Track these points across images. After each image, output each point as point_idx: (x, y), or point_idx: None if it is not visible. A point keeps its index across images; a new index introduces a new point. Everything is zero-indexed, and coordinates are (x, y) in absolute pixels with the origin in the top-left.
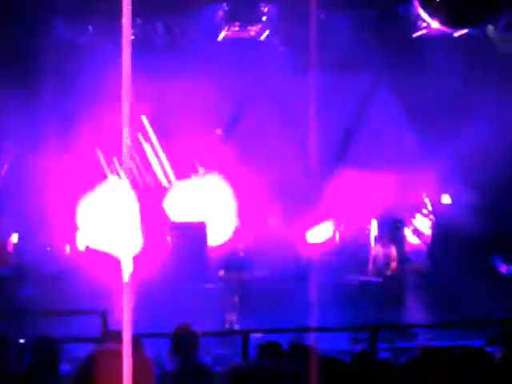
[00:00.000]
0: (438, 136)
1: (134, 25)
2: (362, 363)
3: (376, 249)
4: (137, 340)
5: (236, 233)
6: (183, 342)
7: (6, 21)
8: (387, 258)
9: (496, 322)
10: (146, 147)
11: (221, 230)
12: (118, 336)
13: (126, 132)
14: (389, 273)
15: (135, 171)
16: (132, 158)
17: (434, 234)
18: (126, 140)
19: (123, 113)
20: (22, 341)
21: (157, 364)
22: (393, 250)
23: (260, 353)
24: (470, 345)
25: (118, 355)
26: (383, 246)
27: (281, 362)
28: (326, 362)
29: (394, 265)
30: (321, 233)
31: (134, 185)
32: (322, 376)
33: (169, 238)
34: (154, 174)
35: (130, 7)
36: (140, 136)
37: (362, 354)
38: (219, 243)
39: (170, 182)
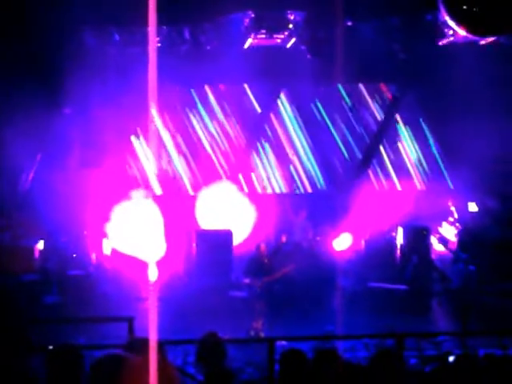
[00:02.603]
0: (462, 143)
1: (160, 32)
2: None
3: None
4: (160, 347)
5: (261, 240)
6: (210, 349)
7: (34, 31)
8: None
9: None
10: (172, 154)
11: (244, 236)
12: (143, 343)
13: (152, 140)
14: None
15: (162, 178)
16: (159, 165)
17: (459, 242)
18: (153, 148)
19: (149, 120)
20: (50, 347)
21: (184, 373)
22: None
23: (283, 361)
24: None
25: (142, 365)
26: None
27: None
28: (350, 369)
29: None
30: (347, 240)
31: (160, 192)
32: (346, 382)
33: (194, 245)
34: (180, 182)
35: (155, 16)
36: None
37: (383, 354)
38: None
39: (196, 189)
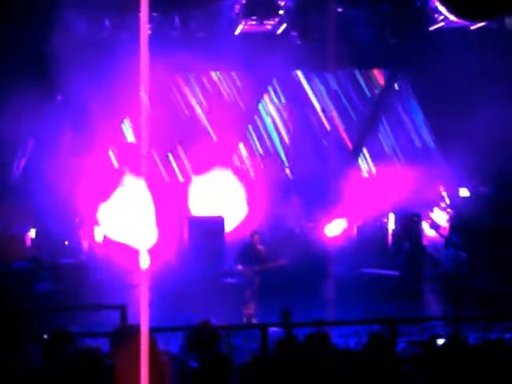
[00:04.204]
0: (454, 129)
1: (150, 19)
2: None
3: None
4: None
5: (252, 226)
6: (203, 336)
7: (21, 19)
8: None
9: None
10: (164, 142)
11: (235, 223)
12: (132, 330)
13: (144, 127)
14: None
15: (153, 166)
16: (149, 153)
17: (451, 227)
18: (144, 136)
19: (141, 108)
20: (45, 336)
21: (178, 360)
22: None
23: (277, 347)
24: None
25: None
26: None
27: (298, 355)
28: (342, 354)
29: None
30: (338, 226)
31: (151, 180)
32: (337, 367)
33: (186, 232)
34: (171, 169)
35: (147, 2)
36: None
37: (376, 338)
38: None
39: (187, 176)
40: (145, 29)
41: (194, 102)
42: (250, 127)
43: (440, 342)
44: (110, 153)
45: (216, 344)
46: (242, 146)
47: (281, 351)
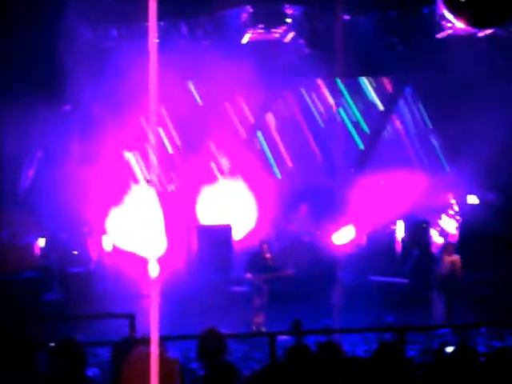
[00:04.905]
0: (463, 137)
1: (157, 28)
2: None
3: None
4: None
5: (261, 235)
6: (211, 344)
7: (29, 29)
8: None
9: None
10: (172, 152)
11: (244, 232)
12: (140, 342)
13: (152, 137)
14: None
15: (161, 176)
16: (158, 161)
17: (460, 235)
18: (153, 144)
19: (150, 116)
20: (52, 344)
21: (187, 369)
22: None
23: (289, 356)
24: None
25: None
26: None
27: (309, 365)
28: (351, 362)
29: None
30: (347, 234)
31: (160, 189)
32: (348, 376)
33: (195, 241)
34: (178, 179)
35: (155, 10)
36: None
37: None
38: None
39: (195, 185)
40: (153, 38)
41: (202, 109)
42: (258, 134)
43: (449, 349)
44: (120, 160)
45: (222, 352)
46: (249, 154)
47: (292, 359)
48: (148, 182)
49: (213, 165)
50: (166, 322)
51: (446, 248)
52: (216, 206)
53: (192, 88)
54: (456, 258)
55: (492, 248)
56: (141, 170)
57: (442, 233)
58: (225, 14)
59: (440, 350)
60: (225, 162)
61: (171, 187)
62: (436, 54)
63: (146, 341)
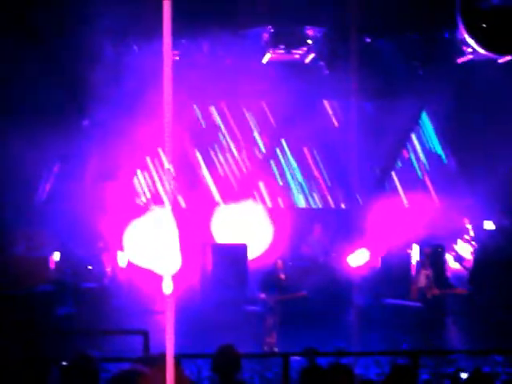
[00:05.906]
0: (480, 161)
1: (179, 45)
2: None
3: (418, 272)
4: (176, 362)
5: (276, 254)
6: (225, 361)
7: (50, 44)
8: (429, 281)
9: None
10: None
11: (259, 251)
12: (157, 359)
13: (168, 154)
14: (430, 296)
15: (177, 193)
16: (174, 179)
17: (475, 260)
18: (169, 162)
19: (165, 135)
20: (64, 363)
21: None
22: (431, 273)
23: (302, 377)
24: None
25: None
26: (425, 269)
27: None
28: None
29: (434, 290)
30: (362, 256)
31: (176, 206)
32: None
33: (208, 260)
34: (196, 196)
35: (170, 28)
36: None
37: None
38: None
39: (211, 203)
40: (168, 55)
41: (219, 128)
42: (277, 150)
43: (464, 375)
44: (136, 179)
45: (236, 370)
46: (266, 174)
47: (306, 380)
48: (161, 199)
49: (230, 183)
50: (178, 340)
51: (423, 263)
52: (232, 225)
53: (212, 109)
54: (430, 272)
55: (507, 273)
56: (155, 187)
57: (458, 257)
58: (246, 34)
59: (455, 377)
60: (242, 182)
61: (183, 204)
62: (456, 79)
63: (161, 359)
